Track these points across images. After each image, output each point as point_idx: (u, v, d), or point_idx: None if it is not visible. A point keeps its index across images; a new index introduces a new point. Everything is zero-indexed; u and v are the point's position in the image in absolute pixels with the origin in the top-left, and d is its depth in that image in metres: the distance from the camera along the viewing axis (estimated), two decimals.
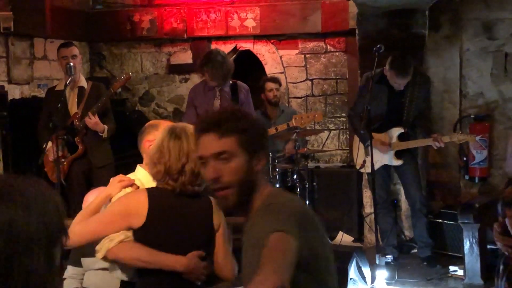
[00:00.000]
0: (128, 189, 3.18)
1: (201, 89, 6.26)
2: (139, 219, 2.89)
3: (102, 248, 2.91)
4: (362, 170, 6.03)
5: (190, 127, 2.92)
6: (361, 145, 5.88)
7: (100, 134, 5.91)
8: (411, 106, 5.73)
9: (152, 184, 3.06)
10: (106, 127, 5.90)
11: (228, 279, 3.11)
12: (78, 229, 2.89)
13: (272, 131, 6.16)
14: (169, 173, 2.91)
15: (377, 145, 5.75)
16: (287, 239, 1.95)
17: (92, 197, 3.47)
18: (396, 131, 5.82)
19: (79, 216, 3.02)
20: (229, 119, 2.18)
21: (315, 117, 6.18)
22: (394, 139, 5.82)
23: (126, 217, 2.90)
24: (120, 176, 3.27)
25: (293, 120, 6.18)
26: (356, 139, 6.04)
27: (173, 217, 2.95)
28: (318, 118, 6.23)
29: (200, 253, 2.94)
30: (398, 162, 5.84)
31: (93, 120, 5.80)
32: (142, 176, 3.31)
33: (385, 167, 5.96)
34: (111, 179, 3.37)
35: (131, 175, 3.36)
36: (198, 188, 2.97)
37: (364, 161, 5.86)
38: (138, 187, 3.18)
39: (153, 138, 3.29)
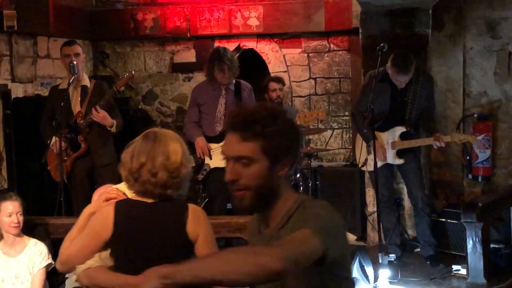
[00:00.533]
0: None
1: (205, 88, 6.27)
2: (107, 233, 2.86)
3: (76, 273, 2.93)
4: (363, 168, 6.05)
5: (165, 132, 2.94)
6: (364, 143, 5.89)
7: (109, 129, 5.90)
8: (414, 105, 5.72)
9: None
10: (115, 121, 5.90)
11: None
12: (64, 257, 2.93)
13: None
14: (130, 174, 2.88)
15: (377, 151, 5.76)
16: (311, 237, 1.94)
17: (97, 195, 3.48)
18: (398, 130, 5.82)
19: (66, 241, 3.00)
20: (258, 122, 2.11)
21: (318, 115, 6.18)
22: (396, 138, 5.82)
23: (97, 236, 2.87)
24: (108, 193, 3.17)
25: (296, 118, 6.17)
26: (359, 137, 6.04)
27: (139, 228, 2.86)
28: (322, 116, 6.23)
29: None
30: (399, 161, 5.84)
31: (101, 114, 5.79)
32: (124, 187, 3.22)
33: (388, 166, 5.95)
34: (94, 195, 3.36)
35: (117, 185, 3.32)
36: (171, 192, 2.89)
37: (366, 159, 5.88)
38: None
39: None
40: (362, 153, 5.94)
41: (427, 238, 5.95)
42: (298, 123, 6.21)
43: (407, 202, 6.46)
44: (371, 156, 5.82)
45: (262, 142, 2.10)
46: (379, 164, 5.82)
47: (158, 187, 2.85)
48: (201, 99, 6.27)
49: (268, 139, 2.10)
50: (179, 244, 2.87)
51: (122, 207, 2.90)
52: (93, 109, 5.79)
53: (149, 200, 2.89)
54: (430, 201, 6.01)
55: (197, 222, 2.90)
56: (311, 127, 7.75)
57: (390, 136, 5.85)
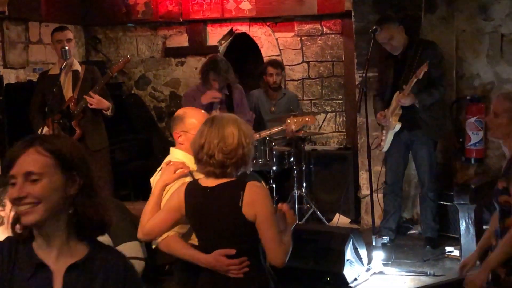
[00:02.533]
0: (186, 178, 3.41)
1: (199, 94, 6.08)
2: (182, 212, 3.15)
3: (156, 242, 3.35)
4: (379, 149, 6.08)
5: (223, 117, 3.15)
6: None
7: (105, 112, 5.90)
8: (410, 71, 5.68)
9: (191, 160, 3.29)
10: (111, 104, 5.90)
11: (277, 265, 3.08)
12: (147, 229, 3.27)
13: (265, 133, 6.21)
14: (195, 156, 3.13)
15: (379, 119, 5.93)
16: None
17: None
18: (395, 97, 5.79)
19: (146, 213, 3.34)
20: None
21: (308, 120, 6.23)
22: (393, 104, 5.81)
23: (175, 212, 3.16)
24: (175, 164, 3.48)
25: (286, 123, 6.17)
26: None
27: (201, 212, 3.10)
28: (311, 122, 6.30)
29: (225, 251, 3.03)
30: (396, 126, 5.79)
31: (96, 98, 5.79)
32: (180, 155, 3.63)
33: (400, 150, 5.95)
34: (165, 167, 3.56)
35: (168, 158, 3.67)
36: (231, 170, 3.07)
37: (381, 140, 5.94)
38: (190, 171, 3.43)
39: (181, 129, 3.65)
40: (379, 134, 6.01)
41: (428, 221, 5.98)
42: (286, 128, 6.20)
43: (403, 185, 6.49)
44: (383, 135, 5.88)
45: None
46: (387, 145, 5.90)
47: (217, 167, 3.03)
48: (194, 102, 6.16)
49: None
50: (239, 226, 3.02)
51: (190, 190, 3.15)
52: (87, 96, 5.77)
53: (212, 183, 3.08)
54: (437, 186, 6.00)
55: (253, 202, 3.00)
56: (304, 110, 7.76)
57: (392, 105, 5.84)
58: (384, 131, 5.94)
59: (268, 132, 6.24)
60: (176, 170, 3.44)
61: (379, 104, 5.98)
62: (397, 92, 5.74)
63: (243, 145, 3.06)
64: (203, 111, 3.96)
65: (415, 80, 5.46)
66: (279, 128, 6.23)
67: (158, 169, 3.66)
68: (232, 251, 3.02)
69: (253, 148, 3.17)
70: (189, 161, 3.41)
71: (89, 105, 5.78)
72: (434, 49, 5.84)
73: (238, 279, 3.03)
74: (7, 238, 2.08)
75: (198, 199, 3.10)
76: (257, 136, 6.11)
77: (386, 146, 5.93)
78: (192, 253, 3.19)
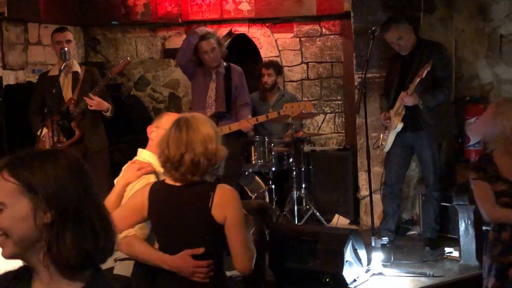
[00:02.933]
0: (150, 176, 3.33)
1: (197, 74, 6.28)
2: (145, 212, 3.01)
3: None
4: (380, 149, 6.07)
5: (196, 118, 3.00)
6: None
7: (104, 113, 5.89)
8: (417, 71, 5.68)
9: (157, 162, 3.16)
10: (110, 106, 5.89)
11: (243, 272, 3.02)
12: None
13: (262, 118, 6.15)
14: (169, 163, 2.94)
15: (384, 122, 5.92)
16: None
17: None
18: (400, 97, 5.78)
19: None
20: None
21: (305, 106, 6.19)
22: (398, 104, 5.80)
23: (137, 212, 3.03)
24: (139, 163, 3.41)
25: (284, 108, 6.17)
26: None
27: (168, 212, 2.97)
28: (309, 108, 6.24)
29: (193, 251, 2.90)
30: (398, 126, 5.78)
31: (96, 100, 5.78)
32: (147, 156, 3.54)
33: (403, 151, 5.94)
34: (128, 165, 3.49)
35: (135, 158, 3.55)
36: (209, 178, 2.98)
37: (383, 140, 5.92)
38: (155, 171, 3.34)
39: (155, 125, 3.56)
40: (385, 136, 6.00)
41: (429, 221, 5.97)
42: (285, 113, 6.18)
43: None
44: (385, 135, 5.88)
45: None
46: (389, 145, 5.88)
47: (198, 175, 2.92)
48: (193, 85, 6.28)
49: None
50: (206, 227, 2.91)
51: (155, 189, 3.02)
52: (86, 97, 5.77)
53: (181, 183, 2.96)
54: (441, 186, 5.99)
55: (223, 205, 2.90)
56: (303, 112, 7.74)
57: (396, 105, 5.84)
58: (386, 131, 5.93)
59: (265, 117, 6.18)
60: (140, 169, 3.35)
61: (384, 104, 5.97)
62: (403, 92, 5.73)
63: (219, 147, 2.98)
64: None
65: (418, 79, 5.45)
66: (276, 112, 6.19)
67: (122, 168, 3.56)
68: (200, 250, 2.89)
69: (226, 152, 3.03)
70: (156, 162, 3.25)
71: (89, 107, 5.78)
72: (442, 51, 5.83)
73: (202, 284, 2.90)
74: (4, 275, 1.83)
75: (163, 198, 2.98)
76: (254, 120, 6.09)
77: (387, 146, 5.91)
78: (157, 254, 3.00)
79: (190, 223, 2.93)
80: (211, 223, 2.89)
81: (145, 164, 3.38)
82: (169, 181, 3.01)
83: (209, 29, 6.50)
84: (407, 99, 5.59)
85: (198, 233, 2.94)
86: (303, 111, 6.16)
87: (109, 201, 3.27)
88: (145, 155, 3.55)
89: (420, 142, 5.86)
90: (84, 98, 5.78)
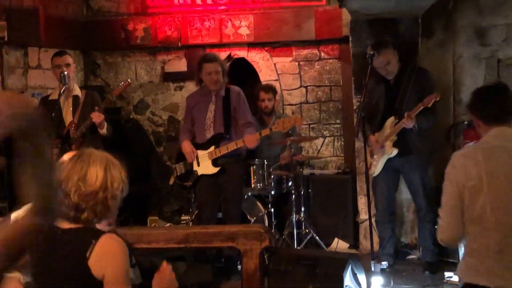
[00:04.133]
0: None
1: (197, 95, 6.36)
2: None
3: None
4: (370, 173, 6.06)
5: (92, 153, 2.77)
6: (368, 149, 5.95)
7: (100, 130, 5.89)
8: (405, 96, 5.73)
9: None
10: (106, 124, 5.90)
11: None
12: None
13: (256, 135, 6.14)
14: (61, 193, 2.70)
15: (372, 143, 5.91)
16: None
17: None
18: (389, 122, 5.82)
19: None
20: None
21: (295, 121, 6.21)
22: (388, 129, 5.83)
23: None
24: None
25: (275, 125, 6.19)
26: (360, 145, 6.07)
27: (45, 256, 2.70)
28: (299, 122, 6.26)
29: None
30: (393, 152, 5.80)
31: (102, 116, 5.81)
32: None
33: (391, 174, 5.95)
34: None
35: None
36: (88, 216, 2.68)
37: (370, 164, 5.92)
38: None
39: None
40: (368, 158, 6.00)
41: (427, 244, 5.95)
42: (276, 129, 6.21)
43: (399, 209, 6.48)
44: (374, 160, 5.87)
45: None
46: (379, 169, 5.90)
47: (72, 209, 2.66)
48: (193, 106, 6.32)
49: None
50: (81, 279, 2.62)
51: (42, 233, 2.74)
52: (94, 112, 5.78)
53: (66, 226, 2.70)
54: (435, 209, 5.98)
55: (104, 258, 2.60)
56: (302, 135, 7.77)
57: (385, 130, 5.86)
58: (375, 156, 5.94)
59: (258, 134, 6.17)
60: None
61: (368, 128, 5.94)
62: (392, 118, 5.76)
63: (107, 188, 2.68)
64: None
65: (421, 107, 5.49)
66: (269, 129, 6.20)
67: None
68: None
69: (121, 197, 2.76)
70: None
71: (93, 118, 5.78)
72: (428, 76, 5.89)
73: None
74: None
75: (45, 239, 2.64)
76: (251, 136, 6.06)
77: (377, 171, 5.93)
78: None
79: (64, 272, 2.65)
80: (87, 275, 2.59)
81: None
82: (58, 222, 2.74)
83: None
84: (409, 122, 5.59)
85: (71, 284, 2.65)
86: (294, 125, 6.19)
87: None
88: None
89: (408, 167, 5.88)
90: (92, 112, 5.79)
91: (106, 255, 2.61)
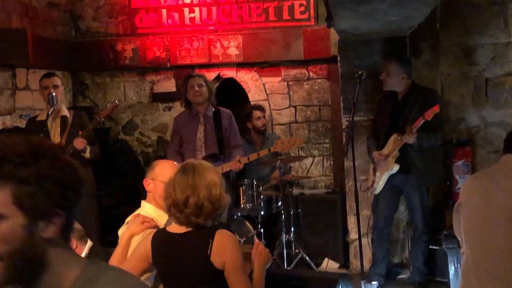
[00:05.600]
0: (153, 231, 3.36)
1: (184, 117, 6.36)
2: (150, 260, 3.13)
3: None
4: (370, 191, 6.05)
5: (201, 164, 3.13)
6: (371, 167, 5.94)
7: (83, 154, 5.87)
8: (410, 114, 5.73)
9: (161, 216, 3.43)
10: (88, 147, 5.89)
11: None
12: None
13: (254, 156, 6.16)
14: (175, 206, 3.05)
15: (375, 158, 5.88)
16: None
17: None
18: (392, 138, 5.80)
19: (113, 263, 3.26)
20: (9, 160, 1.51)
21: (296, 142, 6.21)
22: (390, 146, 5.81)
23: (142, 260, 3.14)
24: (143, 217, 3.50)
25: (274, 145, 6.20)
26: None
27: (169, 260, 3.08)
28: (299, 143, 6.26)
29: None
30: (395, 168, 5.78)
31: (84, 143, 5.78)
32: (150, 210, 3.63)
33: (392, 193, 5.93)
34: (133, 218, 3.57)
35: (138, 211, 3.66)
36: (210, 222, 3.07)
37: (373, 181, 5.90)
38: (157, 225, 3.45)
39: (150, 177, 3.66)
40: (370, 176, 5.99)
41: (418, 264, 5.93)
42: (275, 150, 6.22)
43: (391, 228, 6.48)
44: (376, 177, 5.86)
45: (14, 189, 1.50)
46: (380, 187, 5.86)
47: (201, 218, 3.02)
48: (181, 127, 6.32)
49: (22, 185, 1.51)
50: (207, 273, 3.01)
51: (157, 237, 3.13)
52: (76, 138, 5.77)
53: (181, 230, 3.07)
54: (430, 229, 5.98)
55: (222, 251, 3.00)
56: (291, 154, 7.77)
57: (388, 147, 5.85)
58: (378, 173, 5.91)
59: (256, 155, 6.20)
60: (144, 222, 3.43)
61: (373, 145, 5.98)
62: (395, 135, 5.75)
63: (224, 194, 3.10)
64: (174, 162, 3.98)
65: (423, 121, 5.50)
66: (267, 150, 6.22)
67: (126, 220, 3.64)
68: None
69: (230, 200, 3.18)
70: (159, 216, 3.46)
71: (77, 147, 5.77)
72: (435, 96, 5.89)
73: None
74: None
75: (165, 246, 3.09)
76: (246, 159, 6.10)
77: (379, 188, 5.89)
78: None
79: (190, 270, 3.03)
80: (210, 269, 2.99)
81: (148, 219, 3.47)
82: (171, 228, 3.12)
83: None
84: (410, 137, 5.58)
85: (199, 279, 3.03)
86: (294, 147, 6.19)
87: (116, 254, 3.37)
88: (148, 209, 3.63)
89: (409, 185, 5.86)
90: (75, 139, 5.77)
91: (225, 249, 3.00)
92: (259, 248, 3.29)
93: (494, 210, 2.97)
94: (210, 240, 3.00)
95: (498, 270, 2.91)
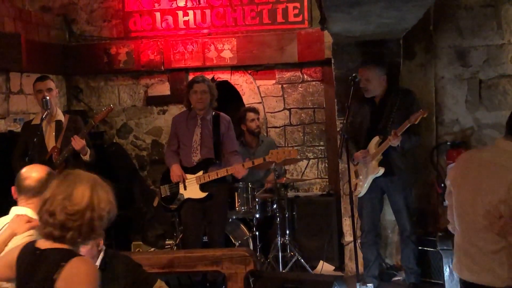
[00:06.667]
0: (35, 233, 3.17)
1: (183, 118, 6.37)
2: (14, 273, 2.77)
3: None
4: (354, 194, 6.04)
5: (80, 174, 2.74)
6: (352, 170, 5.93)
7: (82, 157, 5.86)
8: (390, 116, 5.76)
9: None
10: (89, 150, 5.88)
11: None
12: None
13: (249, 164, 6.17)
14: (38, 212, 2.71)
15: (358, 158, 5.88)
16: None
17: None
18: (373, 141, 5.83)
19: None
20: None
21: (290, 153, 6.23)
22: (373, 149, 5.83)
23: (7, 269, 2.80)
24: (28, 217, 3.30)
25: (269, 155, 6.20)
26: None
27: (24, 277, 2.71)
28: (293, 155, 6.28)
29: None
30: (380, 171, 5.79)
31: (82, 142, 5.77)
32: (27, 212, 3.46)
33: (376, 195, 5.94)
34: (16, 217, 3.42)
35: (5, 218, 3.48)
36: (72, 235, 2.64)
37: (356, 184, 5.90)
38: None
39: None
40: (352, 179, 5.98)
41: (411, 265, 5.94)
42: (270, 160, 6.22)
43: (384, 230, 6.48)
44: (359, 180, 5.87)
45: None
46: (364, 190, 5.89)
47: (57, 229, 2.62)
48: (178, 128, 6.33)
49: None
50: None
51: (24, 250, 2.77)
52: (73, 137, 5.76)
53: (45, 245, 2.67)
54: (417, 229, 6.00)
55: (69, 281, 2.54)
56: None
57: (370, 150, 5.86)
58: (360, 176, 5.93)
59: (251, 163, 6.21)
60: (28, 222, 3.24)
61: (352, 147, 5.99)
62: (377, 137, 5.77)
63: (94, 208, 2.64)
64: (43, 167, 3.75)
65: (408, 125, 5.52)
66: (262, 158, 6.23)
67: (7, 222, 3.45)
68: None
69: (108, 218, 2.72)
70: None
71: (73, 146, 5.75)
72: (413, 97, 5.93)
73: None
74: None
75: (25, 261, 2.70)
76: (240, 166, 6.09)
77: (363, 191, 5.92)
78: None
79: None
80: None
81: (33, 219, 3.25)
82: (40, 242, 2.72)
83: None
84: (395, 140, 5.60)
85: None
86: (287, 158, 6.19)
87: None
88: (24, 211, 3.43)
89: (392, 187, 5.88)
90: (72, 138, 5.76)
91: (72, 279, 2.54)
92: None
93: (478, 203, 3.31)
94: (63, 264, 2.55)
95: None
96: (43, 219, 2.65)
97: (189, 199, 6.17)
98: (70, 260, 2.56)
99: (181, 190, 6.20)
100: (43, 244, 2.67)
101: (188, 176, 6.16)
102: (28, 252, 2.71)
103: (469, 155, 3.64)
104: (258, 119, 7.35)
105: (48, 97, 5.79)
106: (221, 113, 6.37)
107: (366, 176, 5.86)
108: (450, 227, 3.76)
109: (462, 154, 3.78)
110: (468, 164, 3.50)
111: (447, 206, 3.72)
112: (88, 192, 2.65)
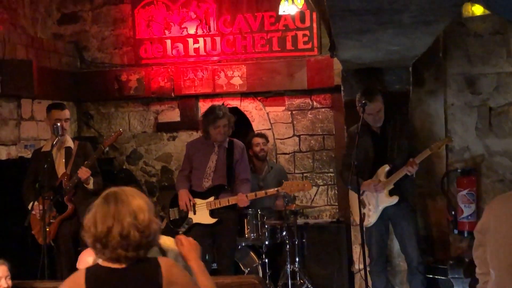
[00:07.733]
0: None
1: (199, 143, 6.39)
2: None
3: None
4: (365, 224, 5.99)
5: (124, 191, 2.79)
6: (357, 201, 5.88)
7: (86, 186, 5.88)
8: (394, 143, 5.75)
9: None
10: (92, 179, 5.89)
11: None
12: None
13: (261, 194, 6.19)
14: (97, 240, 2.70)
15: (369, 188, 5.78)
16: None
17: (87, 257, 3.37)
18: (382, 170, 5.79)
19: None
20: None
21: (304, 186, 6.24)
22: (382, 178, 5.79)
23: None
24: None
25: (283, 185, 6.20)
26: (352, 194, 6.00)
27: None
28: (308, 188, 6.29)
29: None
30: (393, 200, 5.75)
31: (87, 173, 5.79)
32: None
33: (383, 222, 5.90)
34: (80, 257, 3.44)
35: None
36: (143, 253, 2.75)
37: (364, 214, 5.85)
38: None
39: None
40: (356, 211, 5.92)
41: None
42: (283, 190, 6.23)
43: (394, 259, 6.42)
44: (368, 210, 5.83)
45: None
46: (374, 219, 5.83)
47: (131, 249, 2.69)
48: (193, 154, 6.35)
49: None
50: None
51: (93, 274, 2.74)
52: (81, 168, 5.79)
53: (120, 265, 2.72)
54: (424, 259, 5.94)
55: (172, 277, 2.74)
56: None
57: (379, 178, 5.82)
58: (370, 206, 5.86)
59: (264, 193, 6.22)
60: None
61: (358, 177, 5.88)
62: (386, 166, 5.74)
63: (153, 219, 2.76)
64: None
65: (429, 153, 5.55)
66: (275, 189, 6.24)
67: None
68: None
69: (160, 226, 2.86)
70: None
71: (80, 178, 5.78)
72: (411, 124, 5.96)
73: None
74: None
75: (106, 282, 2.70)
76: (253, 196, 6.11)
77: (373, 221, 5.85)
78: None
79: None
80: None
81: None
82: (104, 263, 2.76)
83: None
84: (413, 169, 5.58)
85: None
86: (302, 191, 6.21)
87: None
88: None
89: (400, 215, 5.82)
90: (79, 169, 5.79)
91: (172, 275, 2.74)
92: (184, 242, 3.05)
93: None
94: (158, 269, 2.72)
95: None
96: (111, 244, 2.67)
97: (198, 224, 6.17)
98: (160, 264, 2.74)
99: (190, 215, 6.20)
100: (114, 264, 2.72)
101: (198, 201, 6.16)
102: (103, 275, 2.72)
103: (503, 199, 3.57)
104: (264, 144, 7.34)
105: (59, 124, 5.83)
106: (235, 140, 6.40)
107: (377, 205, 5.81)
108: (480, 276, 3.62)
109: (493, 201, 3.67)
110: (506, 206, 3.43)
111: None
112: (144, 204, 2.76)
